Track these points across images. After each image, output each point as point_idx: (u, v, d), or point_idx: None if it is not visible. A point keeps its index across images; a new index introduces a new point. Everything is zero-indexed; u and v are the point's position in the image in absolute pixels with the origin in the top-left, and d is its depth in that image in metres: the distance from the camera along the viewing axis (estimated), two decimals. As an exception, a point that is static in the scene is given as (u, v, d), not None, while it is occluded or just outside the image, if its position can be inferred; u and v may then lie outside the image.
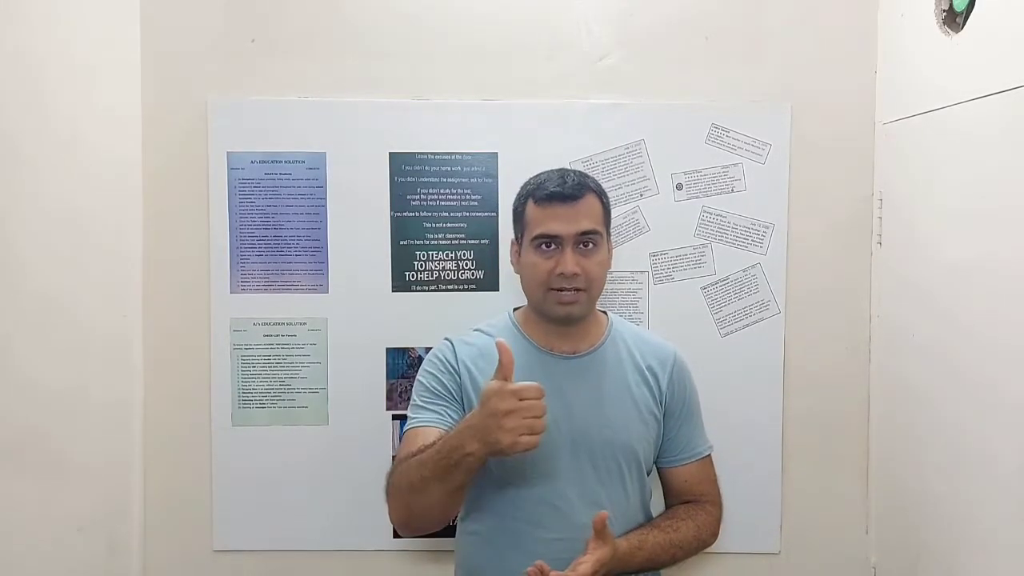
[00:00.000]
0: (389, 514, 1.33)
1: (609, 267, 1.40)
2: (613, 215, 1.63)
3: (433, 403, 1.36)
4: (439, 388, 1.37)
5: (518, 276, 1.41)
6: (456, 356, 1.39)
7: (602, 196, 1.38)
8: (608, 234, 1.38)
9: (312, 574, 1.67)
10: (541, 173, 1.38)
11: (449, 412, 1.34)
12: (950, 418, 1.38)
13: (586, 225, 1.32)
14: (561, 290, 1.32)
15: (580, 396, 1.37)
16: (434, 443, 1.22)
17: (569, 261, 1.30)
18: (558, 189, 1.32)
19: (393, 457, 1.63)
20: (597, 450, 1.36)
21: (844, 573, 1.68)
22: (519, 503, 1.36)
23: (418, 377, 1.41)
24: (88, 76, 1.47)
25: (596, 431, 1.36)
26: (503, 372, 1.14)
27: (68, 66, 1.41)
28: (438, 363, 1.40)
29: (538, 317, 1.41)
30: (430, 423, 1.32)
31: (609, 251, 1.39)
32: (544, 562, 1.19)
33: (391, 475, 1.31)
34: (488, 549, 1.37)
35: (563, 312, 1.34)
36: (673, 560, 1.38)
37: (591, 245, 1.33)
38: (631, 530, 1.37)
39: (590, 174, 1.41)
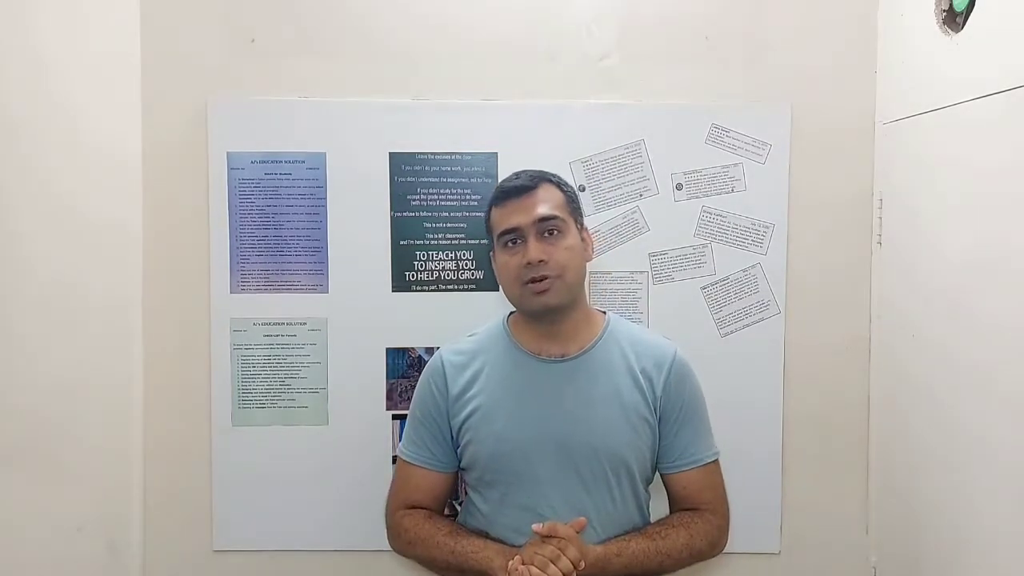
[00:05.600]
0: (388, 541, 1.45)
1: (588, 256, 1.41)
2: (612, 215, 1.66)
3: (420, 435, 1.44)
4: (425, 421, 1.43)
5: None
6: (445, 374, 1.42)
7: (562, 186, 1.40)
8: (577, 221, 1.39)
9: (312, 574, 1.67)
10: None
11: (432, 447, 1.42)
12: (950, 418, 1.38)
13: (544, 211, 1.33)
14: (532, 281, 1.32)
15: (566, 401, 1.36)
16: (451, 530, 1.36)
17: (532, 249, 1.31)
18: (511, 185, 1.36)
19: (393, 458, 1.64)
20: (581, 456, 1.34)
21: (844, 573, 1.68)
22: (504, 509, 1.36)
23: (414, 396, 1.48)
24: (88, 76, 1.47)
25: (581, 437, 1.34)
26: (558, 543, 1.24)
27: (68, 66, 1.41)
28: (425, 391, 1.44)
29: (526, 320, 1.40)
30: (421, 463, 1.42)
31: (584, 239, 1.40)
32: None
33: (390, 514, 1.44)
34: None
35: (540, 303, 1.33)
36: (661, 568, 1.34)
37: (555, 232, 1.33)
38: (613, 536, 1.34)
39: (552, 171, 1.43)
